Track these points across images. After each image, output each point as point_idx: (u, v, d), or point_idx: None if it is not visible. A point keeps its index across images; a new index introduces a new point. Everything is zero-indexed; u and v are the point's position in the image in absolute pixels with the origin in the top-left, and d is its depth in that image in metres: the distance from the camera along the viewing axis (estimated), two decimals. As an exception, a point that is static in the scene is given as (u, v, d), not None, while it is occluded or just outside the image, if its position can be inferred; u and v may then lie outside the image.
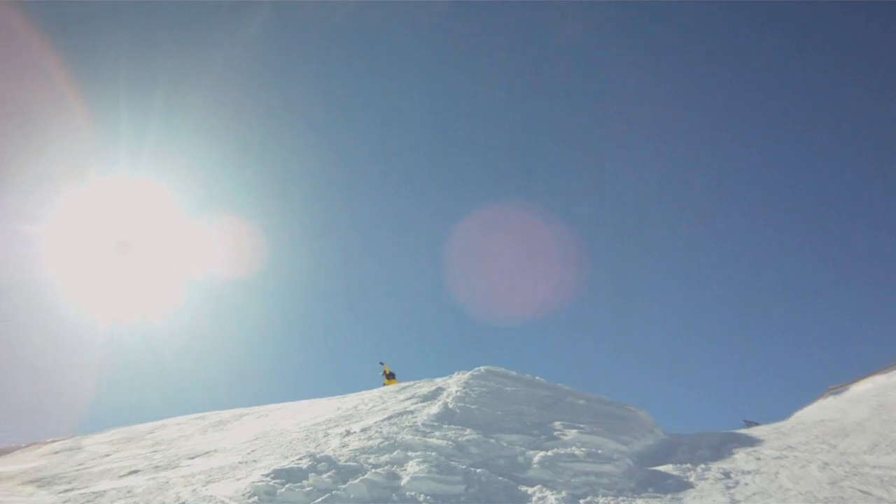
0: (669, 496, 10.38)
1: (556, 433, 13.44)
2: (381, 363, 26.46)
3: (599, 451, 12.17)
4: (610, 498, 10.09)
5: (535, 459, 11.50)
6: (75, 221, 66.21)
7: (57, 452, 18.45)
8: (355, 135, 78.00)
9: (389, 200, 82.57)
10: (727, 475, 11.47)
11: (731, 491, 10.47)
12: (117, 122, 59.55)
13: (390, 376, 25.85)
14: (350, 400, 19.35)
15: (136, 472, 12.85)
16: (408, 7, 66.07)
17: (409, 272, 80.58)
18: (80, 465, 15.19)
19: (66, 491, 11.68)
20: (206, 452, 14.11)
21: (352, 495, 9.27)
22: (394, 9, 66.09)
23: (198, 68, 68.94)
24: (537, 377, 19.63)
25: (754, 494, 10.21)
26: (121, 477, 12.55)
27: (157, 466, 13.09)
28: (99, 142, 63.58)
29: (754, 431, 16.72)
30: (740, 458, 12.87)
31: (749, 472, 11.62)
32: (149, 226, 71.31)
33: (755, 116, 75.20)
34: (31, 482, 13.31)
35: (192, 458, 13.61)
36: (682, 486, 11.04)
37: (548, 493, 9.89)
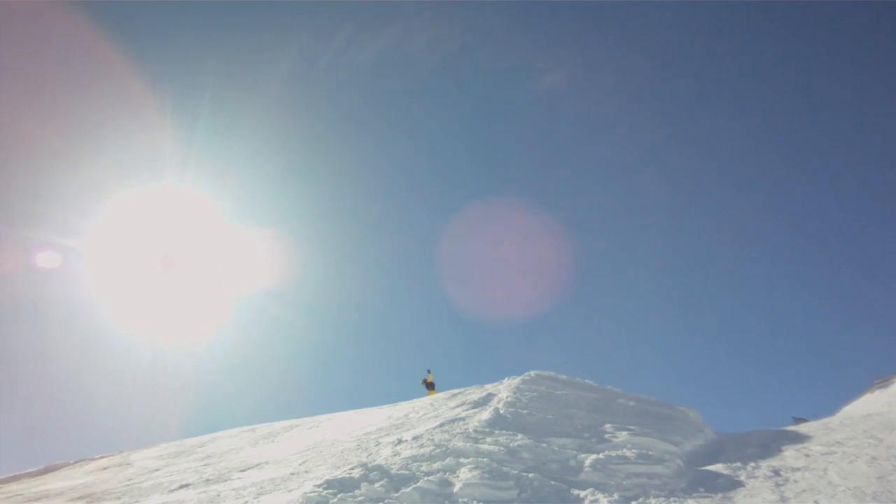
0: (720, 495, 10.54)
1: (607, 436, 13.64)
2: (429, 371, 26.80)
3: (650, 453, 12.37)
4: (661, 499, 10.24)
5: (587, 462, 11.64)
6: (119, 234, 67.79)
7: (105, 468, 18.42)
8: (395, 148, 79.85)
9: (426, 212, 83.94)
10: (776, 473, 11.67)
11: (781, 489, 10.66)
12: (162, 133, 61.28)
13: (430, 386, 26.14)
14: (401, 408, 19.45)
15: (186, 486, 12.79)
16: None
17: (449, 282, 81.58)
18: (130, 480, 15.10)
19: (115, 507, 11.53)
20: (258, 464, 14.13)
21: (404, 503, 9.36)
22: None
23: (244, 82, 71.03)
24: (587, 380, 19.76)
25: (803, 491, 10.39)
26: (171, 491, 12.47)
27: (207, 480, 13.07)
28: (144, 153, 65.46)
29: (802, 428, 16.84)
30: (789, 456, 13.02)
31: (798, 469, 11.80)
32: (193, 238, 72.79)
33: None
34: (79, 499, 13.26)
35: (244, 470, 13.64)
36: (733, 484, 11.22)
37: (600, 495, 10.03)
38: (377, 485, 9.88)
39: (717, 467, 12.50)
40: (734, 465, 12.55)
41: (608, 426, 14.37)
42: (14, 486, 17.93)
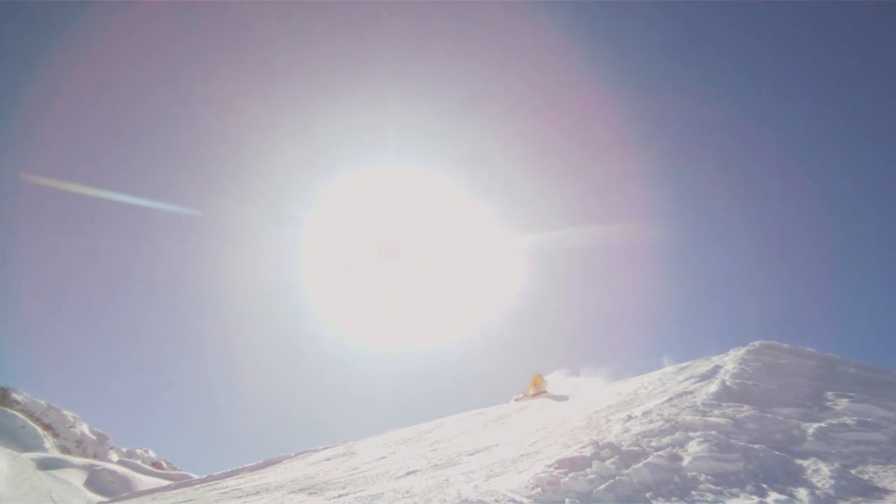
0: (935, 460, 10.92)
1: (828, 403, 14.22)
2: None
3: (869, 419, 12.84)
4: (879, 466, 10.77)
5: (810, 432, 12.26)
6: (344, 224, 70.95)
7: (329, 459, 18.58)
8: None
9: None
10: None
11: None
12: (384, 108, 62.84)
13: (536, 385, 26.85)
14: (630, 384, 20.17)
15: (414, 472, 12.73)
16: None
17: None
18: (354, 469, 15.01)
19: (340, 496, 11.55)
20: (487, 447, 14.28)
21: (634, 480, 9.53)
22: None
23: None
24: (808, 348, 20.05)
25: None
26: (398, 478, 12.37)
27: (436, 465, 13.06)
28: (359, 132, 67.27)
29: None
30: None
31: None
32: (420, 229, 74.63)
33: None
34: (301, 490, 13.14)
35: (472, 454, 13.73)
36: (949, 449, 11.51)
37: (821, 465, 10.39)
38: (608, 462, 10.16)
39: (934, 432, 12.63)
40: (951, 428, 12.66)
41: (829, 394, 14.89)
42: (231, 482, 18.39)
